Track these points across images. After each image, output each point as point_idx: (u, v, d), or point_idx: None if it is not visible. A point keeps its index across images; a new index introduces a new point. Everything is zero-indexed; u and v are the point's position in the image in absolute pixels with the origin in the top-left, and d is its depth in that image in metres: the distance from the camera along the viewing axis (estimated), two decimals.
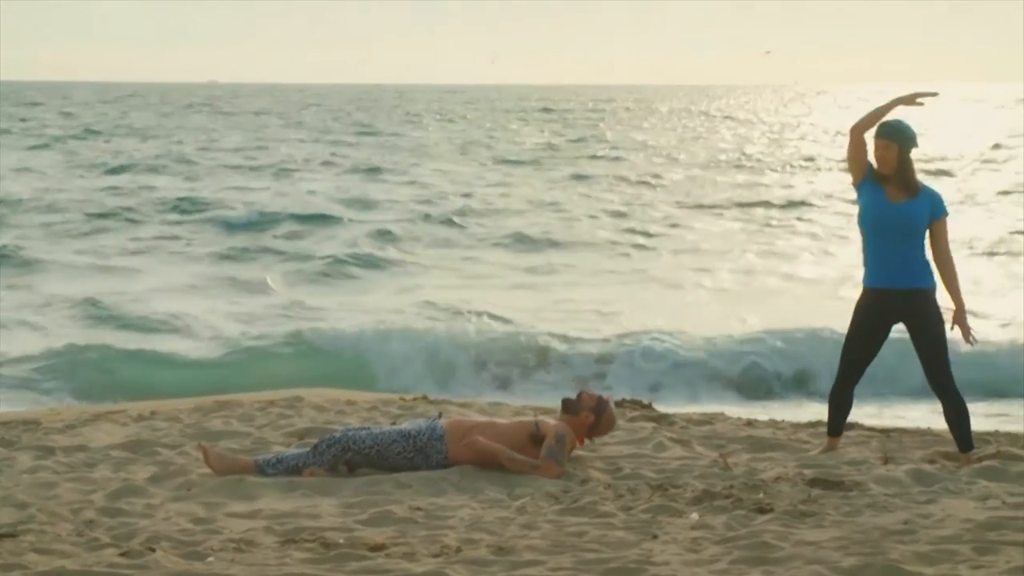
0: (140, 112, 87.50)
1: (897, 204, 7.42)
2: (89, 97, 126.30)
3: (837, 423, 7.88)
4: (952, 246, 7.58)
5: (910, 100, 7.59)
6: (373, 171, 41.18)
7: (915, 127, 7.55)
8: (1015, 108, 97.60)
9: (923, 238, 7.48)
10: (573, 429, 7.46)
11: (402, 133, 64.15)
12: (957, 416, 7.56)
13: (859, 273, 7.67)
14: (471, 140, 58.77)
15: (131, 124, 67.96)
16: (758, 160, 47.48)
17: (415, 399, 10.36)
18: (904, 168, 7.45)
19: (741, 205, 32.29)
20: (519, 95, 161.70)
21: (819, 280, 20.75)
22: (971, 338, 7.59)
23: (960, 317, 7.53)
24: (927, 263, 7.48)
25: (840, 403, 7.80)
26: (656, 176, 40.32)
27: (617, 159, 48.05)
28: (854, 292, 7.81)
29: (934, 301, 7.49)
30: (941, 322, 7.49)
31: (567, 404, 7.58)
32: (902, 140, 7.43)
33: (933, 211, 7.49)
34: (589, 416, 7.51)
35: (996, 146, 52.89)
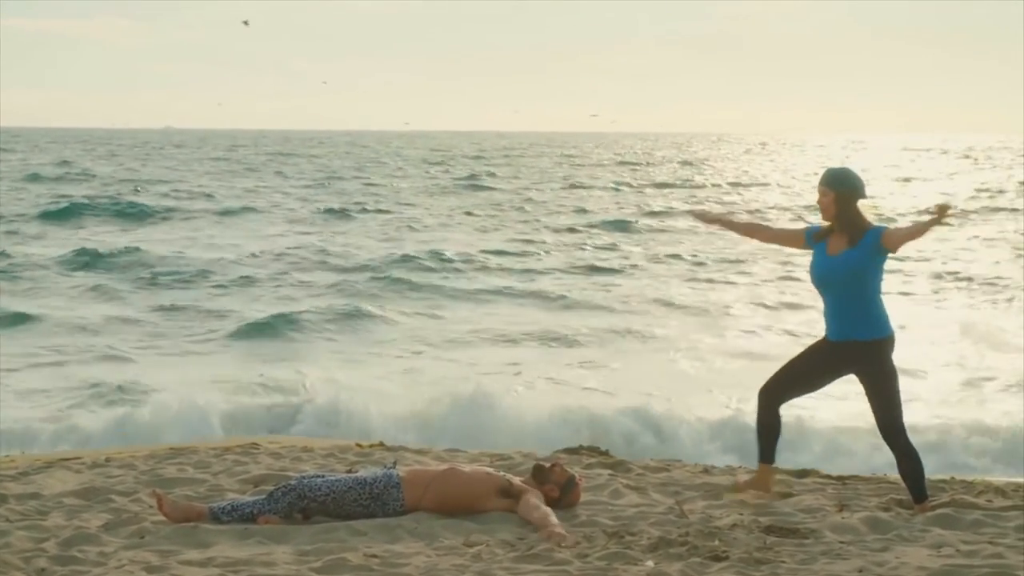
0: (97, 157, 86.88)
1: (834, 256, 7.34)
2: (42, 141, 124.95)
3: (768, 447, 7.72)
4: None
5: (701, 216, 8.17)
6: (334, 214, 41.07)
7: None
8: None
9: (869, 286, 7.32)
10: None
11: (366, 178, 64.09)
12: (910, 468, 7.52)
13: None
14: (439, 184, 58.77)
15: (86, 168, 67.43)
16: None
17: (372, 446, 10.32)
18: (845, 215, 7.35)
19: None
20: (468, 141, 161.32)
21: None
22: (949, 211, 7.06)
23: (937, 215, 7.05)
24: (879, 311, 7.37)
25: (768, 423, 7.62)
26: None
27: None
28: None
29: (888, 351, 7.39)
30: (895, 373, 7.42)
31: (538, 472, 7.60)
32: (837, 186, 7.35)
33: (875, 241, 7.27)
34: (554, 490, 7.54)
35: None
